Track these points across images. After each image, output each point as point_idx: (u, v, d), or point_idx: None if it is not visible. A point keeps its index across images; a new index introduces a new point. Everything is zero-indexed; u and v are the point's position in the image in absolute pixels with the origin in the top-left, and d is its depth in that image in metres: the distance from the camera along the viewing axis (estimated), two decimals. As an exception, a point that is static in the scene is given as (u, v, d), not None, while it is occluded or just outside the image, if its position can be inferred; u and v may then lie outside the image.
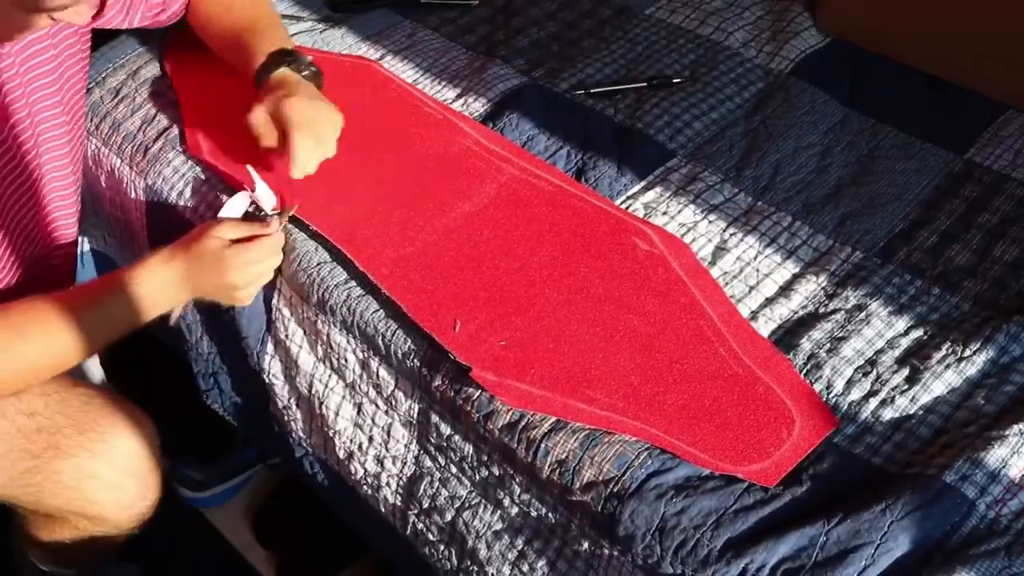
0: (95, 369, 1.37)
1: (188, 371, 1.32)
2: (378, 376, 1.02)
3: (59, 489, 1.04)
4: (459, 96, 1.29)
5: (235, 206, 1.05)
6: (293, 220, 1.07)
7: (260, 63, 1.10)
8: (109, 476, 1.05)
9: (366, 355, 1.03)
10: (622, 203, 1.14)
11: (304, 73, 1.11)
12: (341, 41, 1.41)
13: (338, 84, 1.24)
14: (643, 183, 1.17)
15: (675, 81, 1.30)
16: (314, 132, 1.05)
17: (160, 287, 1.00)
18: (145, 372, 1.54)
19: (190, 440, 1.55)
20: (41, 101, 1.05)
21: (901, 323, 1.00)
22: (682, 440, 0.89)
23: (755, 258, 1.07)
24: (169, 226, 1.15)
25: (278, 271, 1.07)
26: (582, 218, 1.09)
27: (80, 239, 1.37)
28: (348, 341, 1.04)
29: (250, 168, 1.08)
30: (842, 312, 1.01)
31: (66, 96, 1.10)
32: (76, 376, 1.35)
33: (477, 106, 1.27)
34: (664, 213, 1.12)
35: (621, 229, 1.08)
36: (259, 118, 1.06)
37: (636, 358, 0.96)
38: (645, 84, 1.30)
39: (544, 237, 1.07)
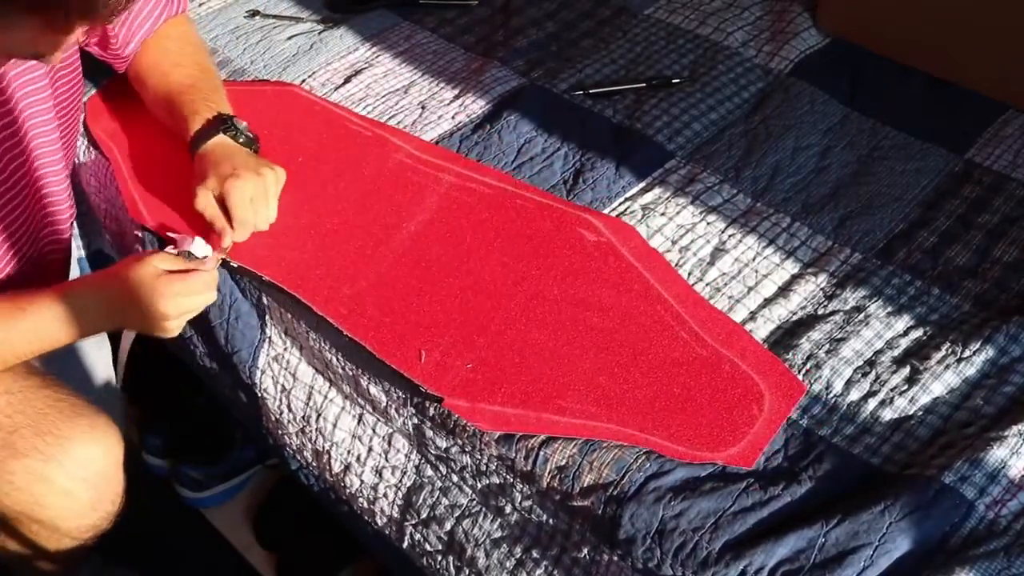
0: (103, 368, 1.36)
1: (189, 372, 1.32)
2: (369, 393, 1.02)
3: (10, 489, 1.02)
4: (457, 97, 1.29)
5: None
6: (244, 272, 1.07)
7: (197, 128, 1.11)
8: (61, 482, 1.02)
9: (355, 373, 1.02)
10: (620, 204, 1.14)
11: (240, 140, 1.11)
12: (340, 42, 1.41)
13: (262, 113, 1.23)
14: (642, 184, 1.17)
15: (674, 81, 1.30)
16: (256, 211, 1.07)
17: (84, 310, 0.99)
18: (146, 373, 1.55)
19: (190, 440, 1.55)
20: (34, 105, 1.05)
21: (900, 324, 1.00)
22: (657, 435, 0.89)
23: (754, 259, 1.07)
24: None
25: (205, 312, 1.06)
26: (526, 217, 1.09)
27: (78, 244, 1.38)
28: (338, 359, 1.04)
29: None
30: (841, 313, 1.01)
31: (59, 100, 1.10)
32: (80, 377, 1.36)
33: (475, 107, 1.27)
34: (663, 214, 1.12)
35: (566, 223, 1.08)
36: (204, 202, 1.07)
37: (601, 357, 0.95)
38: (644, 84, 1.30)
39: (493, 244, 1.07)
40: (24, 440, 1.01)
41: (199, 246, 1.03)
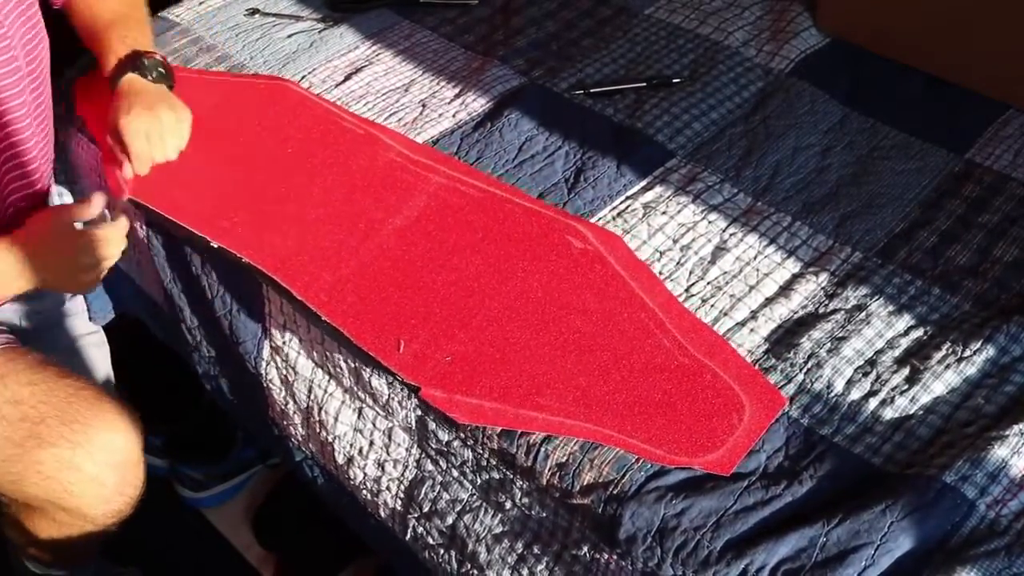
0: (103, 367, 1.36)
1: (189, 372, 1.33)
2: (371, 385, 1.02)
3: (39, 479, 1.03)
4: (457, 96, 1.29)
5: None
6: (153, 213, 1.11)
7: (111, 67, 1.16)
8: (89, 468, 1.04)
9: (357, 365, 1.02)
10: (621, 203, 1.14)
11: (150, 76, 1.16)
12: (340, 40, 1.41)
13: (254, 108, 1.23)
14: (643, 183, 1.17)
15: (675, 81, 1.30)
16: (151, 142, 1.13)
17: (4, 269, 1.02)
18: (147, 373, 1.55)
19: (190, 440, 1.55)
20: None
21: (901, 323, 1.00)
22: (636, 437, 0.89)
23: (755, 258, 1.07)
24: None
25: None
26: (514, 221, 1.09)
27: None
28: (339, 351, 1.04)
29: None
30: (842, 312, 1.01)
31: (25, 43, 1.11)
32: (79, 372, 1.35)
33: (476, 106, 1.27)
34: (663, 213, 1.12)
35: (554, 229, 1.08)
36: (110, 139, 1.15)
37: (582, 359, 0.95)
38: (644, 84, 1.30)
39: (478, 245, 1.06)
40: (51, 429, 1.03)
41: (98, 201, 1.06)
